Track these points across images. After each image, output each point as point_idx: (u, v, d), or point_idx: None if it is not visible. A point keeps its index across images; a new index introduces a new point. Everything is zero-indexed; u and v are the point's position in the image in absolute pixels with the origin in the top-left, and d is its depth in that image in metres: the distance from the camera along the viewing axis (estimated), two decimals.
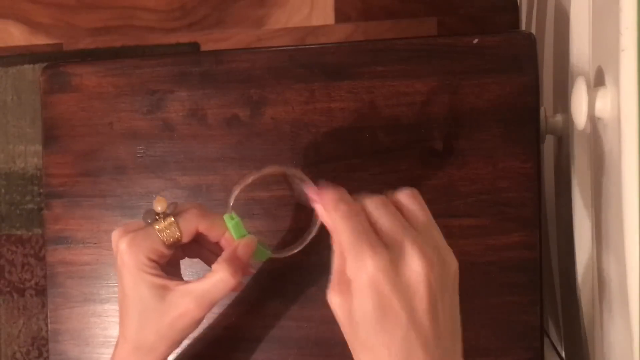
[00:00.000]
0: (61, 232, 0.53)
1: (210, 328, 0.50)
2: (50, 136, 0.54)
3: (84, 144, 0.53)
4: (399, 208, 0.36)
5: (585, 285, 0.49)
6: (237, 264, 0.40)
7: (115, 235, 0.41)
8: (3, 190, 1.24)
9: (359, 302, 0.33)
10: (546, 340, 0.59)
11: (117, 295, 0.52)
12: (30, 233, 1.23)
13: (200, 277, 0.40)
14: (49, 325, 0.53)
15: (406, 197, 0.36)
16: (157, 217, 0.40)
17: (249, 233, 0.42)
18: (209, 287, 0.39)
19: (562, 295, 0.62)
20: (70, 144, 0.53)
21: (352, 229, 0.34)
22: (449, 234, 0.47)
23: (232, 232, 0.41)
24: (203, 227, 0.41)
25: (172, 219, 0.40)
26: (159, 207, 0.40)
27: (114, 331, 0.52)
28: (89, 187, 0.53)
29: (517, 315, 0.47)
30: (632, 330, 0.35)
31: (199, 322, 0.41)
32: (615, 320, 0.39)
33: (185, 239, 0.41)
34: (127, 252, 0.39)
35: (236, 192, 0.42)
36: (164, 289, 0.40)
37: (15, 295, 1.23)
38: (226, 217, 0.41)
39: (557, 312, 0.65)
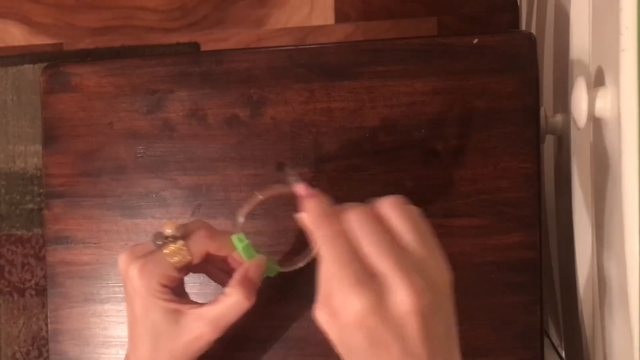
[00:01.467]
0: (61, 232, 0.53)
1: None
2: (50, 136, 0.54)
3: (84, 144, 0.53)
4: (383, 220, 0.34)
5: (585, 285, 0.49)
6: (250, 286, 0.40)
7: (123, 260, 0.40)
8: (3, 190, 1.24)
9: (348, 334, 0.32)
10: (546, 340, 0.59)
11: (117, 296, 0.52)
12: (30, 233, 1.23)
13: (212, 299, 0.40)
14: (49, 325, 0.53)
15: (390, 207, 0.34)
16: (166, 240, 0.39)
17: (258, 252, 0.42)
18: (223, 310, 0.39)
19: (562, 295, 0.62)
20: (70, 144, 0.53)
21: (335, 258, 0.32)
22: (449, 234, 0.48)
23: (241, 254, 0.41)
24: (213, 248, 0.41)
25: (182, 242, 0.39)
26: (168, 230, 0.39)
27: (114, 331, 0.52)
28: (89, 187, 0.53)
29: (517, 315, 0.47)
30: (632, 330, 0.35)
31: (212, 343, 0.41)
32: (615, 320, 0.39)
33: (196, 261, 0.40)
34: (138, 279, 0.39)
35: (244, 213, 0.41)
36: (177, 313, 0.39)
37: (15, 295, 1.23)
38: (235, 239, 0.41)
39: (557, 312, 0.65)
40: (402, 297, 0.31)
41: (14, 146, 1.24)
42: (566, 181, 0.54)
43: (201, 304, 0.40)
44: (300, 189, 0.37)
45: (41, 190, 1.21)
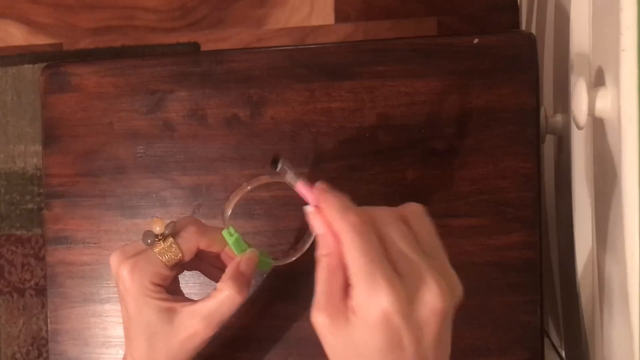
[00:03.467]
0: (61, 232, 0.53)
1: None
2: (50, 136, 0.54)
3: (84, 144, 0.53)
4: (405, 224, 0.33)
5: (585, 285, 0.49)
6: (242, 280, 0.39)
7: (114, 260, 0.40)
8: (3, 190, 1.24)
9: (365, 334, 0.31)
10: (546, 340, 0.59)
11: (117, 296, 0.52)
12: (30, 233, 1.23)
13: (205, 296, 0.40)
14: (48, 325, 0.53)
15: (413, 213, 0.34)
16: (156, 238, 0.39)
17: (250, 246, 0.41)
18: (216, 306, 0.39)
19: (562, 295, 0.62)
20: (70, 144, 0.53)
21: (364, 250, 0.30)
22: (449, 234, 0.48)
23: (232, 248, 0.40)
24: (203, 244, 0.40)
25: (172, 239, 0.39)
26: (157, 228, 0.39)
27: (113, 331, 0.52)
28: (89, 187, 0.53)
29: (517, 315, 0.47)
30: (632, 330, 0.35)
31: (208, 340, 0.40)
32: (615, 320, 0.39)
33: (187, 259, 0.40)
34: (130, 279, 0.39)
35: (230, 207, 0.41)
36: (171, 312, 0.39)
37: (15, 295, 1.23)
38: (225, 233, 0.40)
39: (557, 312, 0.65)
40: (431, 299, 0.30)
41: (14, 146, 1.24)
42: (566, 181, 0.54)
43: (194, 301, 0.40)
44: (308, 192, 0.35)
45: (41, 190, 1.21)
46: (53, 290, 0.53)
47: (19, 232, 1.23)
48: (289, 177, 0.37)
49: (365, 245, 0.31)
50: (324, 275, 0.32)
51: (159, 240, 0.39)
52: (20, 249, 1.23)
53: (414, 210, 0.34)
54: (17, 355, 1.24)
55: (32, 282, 1.23)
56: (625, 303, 0.35)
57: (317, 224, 0.34)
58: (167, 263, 0.39)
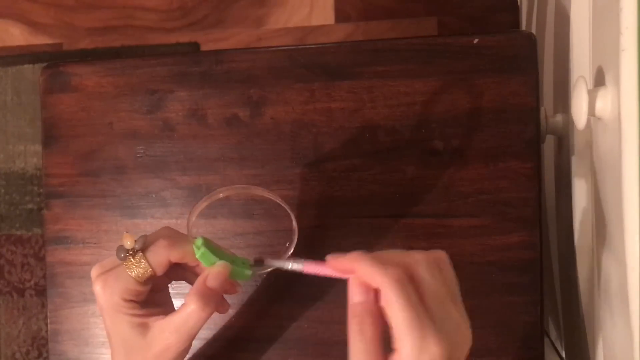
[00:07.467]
0: (61, 232, 0.53)
1: (210, 328, 0.50)
2: (50, 136, 0.54)
3: (84, 144, 0.53)
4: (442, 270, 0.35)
5: (585, 285, 0.49)
6: (208, 295, 0.39)
7: (93, 274, 0.40)
8: (3, 190, 1.24)
9: None
10: (546, 340, 0.59)
11: None
12: (30, 233, 1.23)
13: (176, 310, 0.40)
14: (48, 325, 0.53)
15: (439, 259, 0.35)
16: (128, 253, 0.39)
17: (225, 255, 0.40)
18: (182, 321, 0.39)
19: (562, 295, 0.62)
20: (70, 144, 0.53)
21: (409, 304, 0.31)
22: (449, 234, 0.48)
23: (201, 261, 0.40)
24: (174, 257, 0.40)
25: (141, 254, 0.39)
26: (127, 243, 0.39)
27: None
28: (89, 187, 0.53)
29: (517, 315, 0.47)
30: (632, 330, 0.35)
31: (186, 351, 0.40)
32: (615, 320, 0.39)
33: (159, 273, 0.40)
34: (102, 295, 0.39)
35: (193, 218, 0.40)
36: (144, 327, 0.39)
37: (15, 295, 1.23)
38: (194, 246, 0.40)
39: (557, 312, 0.65)
40: (466, 343, 0.33)
41: (14, 146, 1.24)
42: (566, 181, 0.54)
43: (165, 315, 0.40)
44: (334, 267, 0.35)
45: (41, 190, 1.21)
46: (53, 290, 0.53)
47: (19, 232, 1.23)
48: (293, 266, 0.38)
49: (408, 297, 0.31)
50: (355, 339, 0.33)
51: (130, 255, 0.39)
52: (20, 249, 1.23)
53: (440, 257, 0.35)
54: (17, 355, 1.24)
55: (32, 282, 1.23)
56: (625, 303, 0.35)
57: (356, 290, 0.34)
58: (138, 279, 0.39)
